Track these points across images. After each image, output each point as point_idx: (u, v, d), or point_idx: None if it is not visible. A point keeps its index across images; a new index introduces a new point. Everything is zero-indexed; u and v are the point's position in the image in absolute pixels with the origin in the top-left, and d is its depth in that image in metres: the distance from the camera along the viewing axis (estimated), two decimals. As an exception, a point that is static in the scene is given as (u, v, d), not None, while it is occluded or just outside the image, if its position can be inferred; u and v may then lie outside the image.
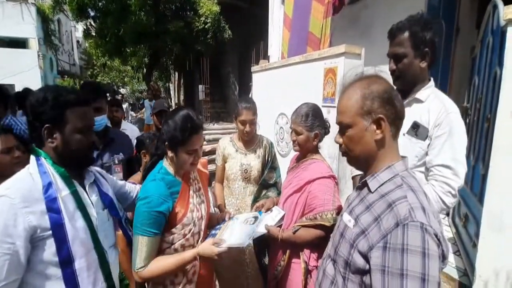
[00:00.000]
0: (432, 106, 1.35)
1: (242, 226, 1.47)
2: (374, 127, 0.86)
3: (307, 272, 1.46)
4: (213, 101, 9.66)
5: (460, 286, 2.00)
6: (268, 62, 4.57)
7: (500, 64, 1.60)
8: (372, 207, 0.85)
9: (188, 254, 1.26)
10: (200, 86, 8.62)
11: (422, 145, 1.35)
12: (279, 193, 2.00)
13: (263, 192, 2.09)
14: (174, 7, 8.62)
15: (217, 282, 2.05)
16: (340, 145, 0.96)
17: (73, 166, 1.06)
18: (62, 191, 0.99)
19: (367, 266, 0.80)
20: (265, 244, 1.84)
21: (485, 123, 2.08)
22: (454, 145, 1.28)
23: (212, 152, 5.33)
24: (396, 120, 0.86)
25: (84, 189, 1.09)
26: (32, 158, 1.01)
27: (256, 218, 1.57)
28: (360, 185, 0.94)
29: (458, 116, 1.32)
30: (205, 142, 5.51)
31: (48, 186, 0.95)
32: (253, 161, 2.06)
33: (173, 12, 8.68)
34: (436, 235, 0.72)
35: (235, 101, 10.48)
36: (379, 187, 0.86)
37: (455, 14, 3.25)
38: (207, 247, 1.25)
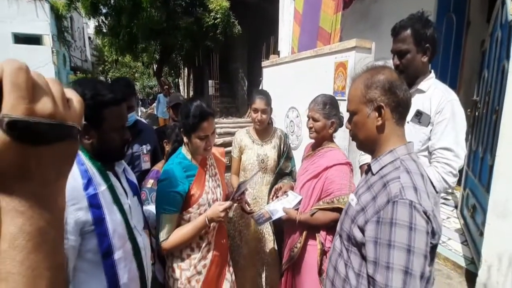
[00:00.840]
0: (434, 95, 1.46)
1: (275, 204, 1.68)
2: (376, 114, 0.94)
3: (323, 253, 1.54)
4: (222, 96, 9.75)
5: (467, 274, 2.06)
6: (278, 57, 4.63)
7: (508, 57, 1.65)
8: (372, 188, 0.94)
9: (199, 219, 1.41)
10: (210, 82, 8.72)
11: (425, 131, 1.47)
12: (294, 181, 2.08)
13: (279, 181, 2.17)
14: (184, 3, 8.72)
15: (232, 270, 2.15)
16: (350, 131, 1.07)
17: (107, 160, 1.08)
18: (101, 186, 1.01)
19: (364, 239, 0.90)
20: (282, 231, 1.92)
21: (493, 115, 2.12)
22: (454, 130, 1.40)
23: (224, 145, 5.43)
24: (399, 107, 0.94)
25: (117, 177, 1.13)
26: None
27: (286, 194, 1.73)
28: (367, 168, 1.04)
29: (457, 103, 1.43)
30: (216, 136, 5.60)
31: (88, 182, 0.96)
32: (269, 152, 2.14)
33: (183, 8, 8.78)
34: (425, 213, 0.80)
35: (244, 97, 10.55)
36: (380, 169, 0.95)
37: (466, 8, 3.25)
38: (212, 208, 1.41)
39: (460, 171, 3.07)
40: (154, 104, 9.43)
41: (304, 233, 1.61)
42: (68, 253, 0.91)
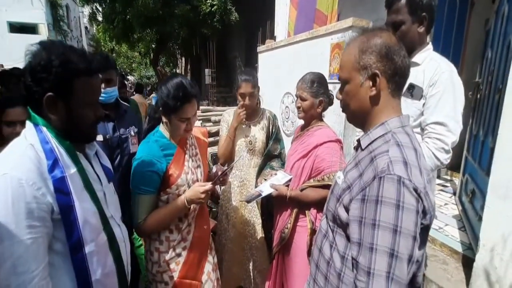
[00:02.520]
0: (428, 67, 1.36)
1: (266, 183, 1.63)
2: (370, 83, 0.83)
3: (313, 233, 1.48)
4: (219, 86, 9.64)
5: (464, 259, 2.00)
6: (275, 42, 4.49)
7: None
8: (360, 164, 0.84)
9: (178, 200, 1.32)
10: (207, 70, 8.60)
11: (417, 105, 1.37)
12: (283, 164, 2.01)
13: (268, 163, 2.09)
14: (181, -10, 8.51)
15: (219, 260, 2.08)
16: (341, 101, 0.96)
17: (77, 140, 0.94)
18: (69, 169, 0.87)
19: (349, 219, 0.81)
20: (271, 214, 1.86)
21: (496, 95, 2.02)
22: (448, 103, 1.30)
23: (218, 133, 5.35)
24: (395, 76, 0.83)
25: (88, 161, 0.99)
26: (30, 125, 0.86)
27: (275, 174, 1.71)
28: (356, 144, 0.94)
29: (453, 74, 1.33)
30: (210, 123, 5.51)
31: (54, 164, 0.83)
32: (258, 133, 2.06)
33: (179, -5, 8.58)
34: (416, 190, 0.71)
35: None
36: (369, 144, 0.85)
37: (469, -14, 3.11)
38: (192, 188, 1.32)
39: (460, 156, 3.01)
40: (153, 95, 9.28)
41: (295, 211, 1.55)
42: (40, 244, 0.79)
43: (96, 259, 0.91)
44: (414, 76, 1.37)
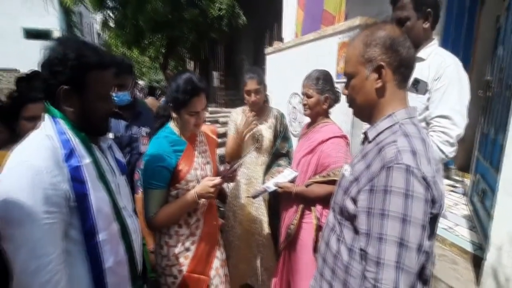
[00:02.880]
0: (432, 61, 1.37)
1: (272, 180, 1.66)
2: (376, 75, 0.84)
3: (319, 229, 1.48)
4: (227, 88, 9.69)
5: (474, 259, 1.96)
6: (282, 43, 4.52)
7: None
8: (367, 155, 0.84)
9: (188, 195, 1.35)
10: (215, 73, 8.68)
11: (422, 99, 1.37)
12: (290, 163, 2.02)
13: (275, 162, 2.11)
14: (190, -5, 8.65)
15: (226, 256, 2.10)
16: (347, 96, 0.97)
17: (91, 133, 0.98)
18: (84, 159, 0.90)
19: (357, 210, 0.81)
20: (277, 212, 1.87)
21: (507, 92, 1.99)
22: (452, 96, 1.31)
23: (226, 134, 5.39)
24: (401, 67, 0.83)
25: (103, 153, 1.02)
26: (47, 117, 0.91)
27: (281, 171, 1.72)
28: (364, 137, 0.94)
29: (458, 68, 1.34)
30: (218, 125, 5.56)
31: (70, 153, 0.86)
32: (265, 131, 2.07)
33: (188, 0, 8.71)
34: (424, 179, 0.70)
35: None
36: (377, 136, 0.85)
37: (479, -16, 3.07)
38: (202, 183, 1.35)
39: (469, 156, 2.95)
40: (163, 99, 9.42)
41: (300, 207, 1.55)
42: (56, 230, 0.82)
43: (108, 248, 0.93)
44: (419, 71, 1.37)
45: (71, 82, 0.87)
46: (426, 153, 0.76)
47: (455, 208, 2.74)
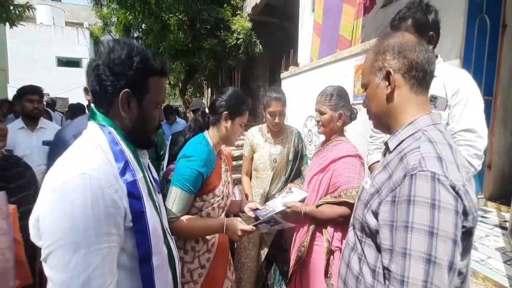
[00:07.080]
0: (446, 78, 1.37)
1: (280, 200, 1.60)
2: (386, 82, 0.82)
3: (330, 253, 1.39)
4: (243, 114, 9.85)
5: (514, 296, 1.74)
6: (298, 67, 4.60)
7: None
8: (388, 165, 0.79)
9: (216, 222, 1.30)
10: (232, 99, 8.85)
11: (442, 115, 1.33)
12: (303, 182, 1.94)
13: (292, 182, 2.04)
14: (210, 26, 9.16)
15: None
16: (366, 109, 0.94)
17: (138, 144, 0.86)
18: (138, 173, 0.79)
19: (378, 225, 0.74)
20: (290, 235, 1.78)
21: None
22: (473, 110, 1.32)
23: (241, 157, 5.38)
24: (411, 70, 0.79)
25: (146, 170, 0.91)
26: (95, 125, 0.79)
27: (291, 191, 1.66)
28: (385, 148, 0.89)
29: (471, 81, 1.37)
30: (233, 148, 5.57)
31: (125, 166, 0.75)
32: (282, 151, 2.03)
33: (208, 31, 9.22)
34: (453, 187, 0.64)
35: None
36: (398, 144, 0.79)
37: (500, 9, 3.04)
38: (234, 222, 1.27)
39: (500, 186, 2.73)
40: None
41: (311, 228, 1.45)
42: (115, 254, 0.70)
43: (159, 275, 0.80)
44: (436, 88, 1.35)
45: (133, 85, 0.78)
46: (455, 160, 0.69)
47: (487, 239, 2.52)
